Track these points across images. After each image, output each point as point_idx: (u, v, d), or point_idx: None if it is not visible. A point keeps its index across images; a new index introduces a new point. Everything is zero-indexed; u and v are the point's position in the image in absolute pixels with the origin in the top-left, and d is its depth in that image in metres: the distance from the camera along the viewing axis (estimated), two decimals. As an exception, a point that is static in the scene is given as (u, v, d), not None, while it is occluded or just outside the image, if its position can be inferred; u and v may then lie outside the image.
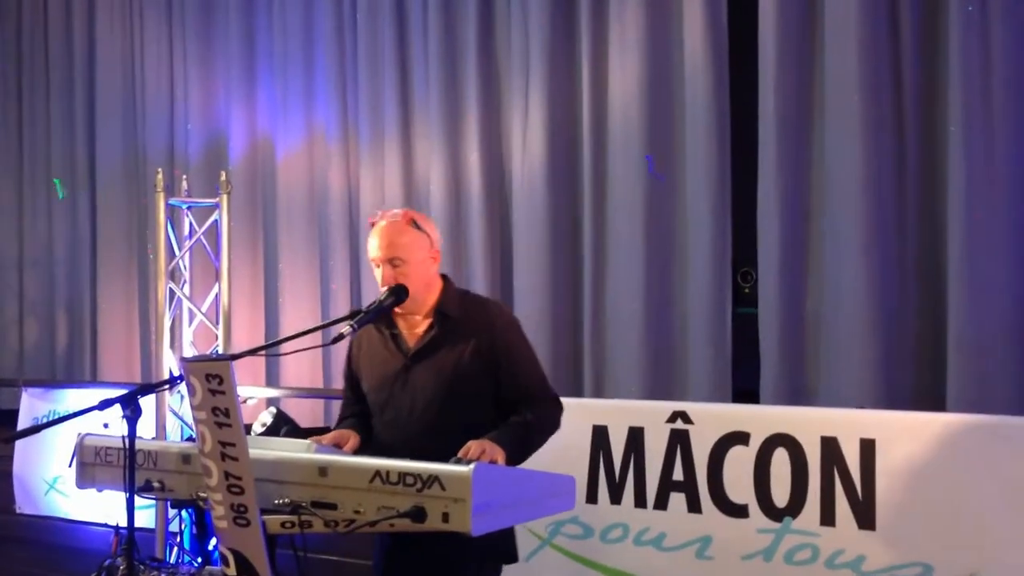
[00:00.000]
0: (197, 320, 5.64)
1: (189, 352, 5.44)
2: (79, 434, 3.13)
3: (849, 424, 3.73)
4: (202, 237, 5.65)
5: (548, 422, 3.11)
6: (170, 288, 5.44)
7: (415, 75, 6.04)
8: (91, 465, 3.05)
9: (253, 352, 2.92)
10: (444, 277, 3.16)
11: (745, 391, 5.11)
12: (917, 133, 4.73)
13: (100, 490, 3.09)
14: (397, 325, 3.12)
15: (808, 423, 3.81)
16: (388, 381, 3.08)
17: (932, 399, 4.63)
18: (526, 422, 2.99)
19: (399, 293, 3.02)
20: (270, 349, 3.15)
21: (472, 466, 2.49)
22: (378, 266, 3.03)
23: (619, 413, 4.04)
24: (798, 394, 4.94)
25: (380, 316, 3.02)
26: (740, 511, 3.88)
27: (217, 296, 5.51)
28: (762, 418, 3.91)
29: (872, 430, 3.66)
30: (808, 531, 3.73)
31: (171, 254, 5.54)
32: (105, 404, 2.81)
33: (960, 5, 4.49)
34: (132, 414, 2.80)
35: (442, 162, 5.87)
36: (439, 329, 3.06)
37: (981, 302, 4.49)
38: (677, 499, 4.00)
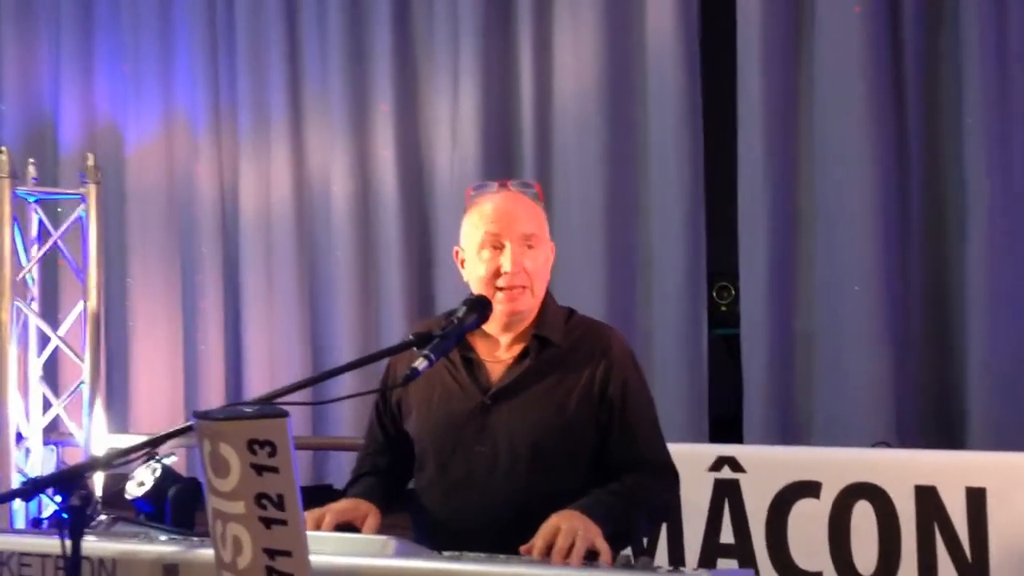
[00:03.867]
0: (51, 347, 4.34)
1: (37, 393, 4.15)
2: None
3: (950, 470, 3.09)
4: (59, 241, 4.36)
5: (661, 502, 2.27)
6: (17, 306, 4.12)
7: (308, 52, 5.05)
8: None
9: (306, 400, 1.88)
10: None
11: (724, 423, 4.45)
12: (925, 121, 4.18)
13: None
14: (473, 346, 2.21)
15: (897, 469, 3.16)
16: (456, 425, 2.18)
17: (948, 434, 4.10)
18: (633, 496, 2.13)
19: (482, 308, 2.09)
20: (318, 393, 2.08)
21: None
22: (497, 246, 2.13)
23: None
24: (788, 428, 4.33)
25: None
26: (812, 579, 3.15)
27: (83, 316, 4.25)
28: (836, 464, 3.22)
29: (980, 476, 3.03)
30: (902, 601, 3.05)
31: (18, 262, 4.22)
32: (36, 489, 1.74)
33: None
34: (81, 505, 1.75)
35: (346, 157, 4.94)
36: (536, 359, 2.17)
37: (1005, 320, 3.99)
38: (727, 565, 3.23)
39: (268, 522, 1.60)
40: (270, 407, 1.64)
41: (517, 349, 2.19)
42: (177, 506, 3.61)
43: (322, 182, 5.00)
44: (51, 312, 4.95)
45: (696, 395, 4.43)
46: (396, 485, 2.31)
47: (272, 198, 5.06)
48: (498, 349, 2.20)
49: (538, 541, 1.89)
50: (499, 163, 4.67)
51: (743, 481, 3.27)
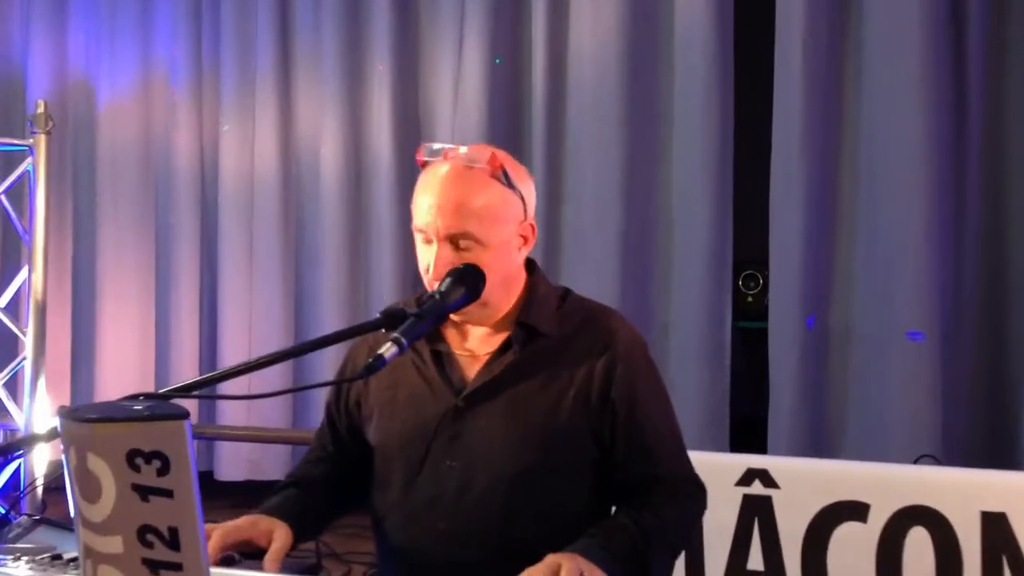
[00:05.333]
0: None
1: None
2: None
3: (1021, 493, 2.61)
4: (4, 199, 3.91)
5: (684, 532, 1.85)
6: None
7: (299, 3, 4.69)
8: None
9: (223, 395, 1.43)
10: (531, 265, 1.84)
11: (747, 428, 4.05)
12: (985, 95, 3.77)
13: None
14: (445, 338, 1.78)
15: (959, 492, 2.71)
16: (423, 434, 1.75)
17: (1001, 449, 3.70)
18: (650, 534, 1.69)
19: (472, 280, 1.65)
20: (222, 384, 1.63)
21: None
22: (428, 241, 1.71)
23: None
24: (819, 433, 3.92)
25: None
26: (856, 617, 2.70)
27: (25, 286, 3.80)
28: (888, 482, 2.78)
29: (1059, 501, 2.57)
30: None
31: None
32: None
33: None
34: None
35: (337, 120, 4.57)
36: (520, 352, 1.74)
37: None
38: (755, 598, 2.78)
39: (155, 566, 1.15)
40: (163, 404, 1.19)
41: (498, 340, 1.75)
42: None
43: (311, 147, 4.62)
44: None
45: (717, 396, 4.06)
46: (330, 504, 1.86)
47: (256, 163, 4.69)
48: (478, 343, 1.77)
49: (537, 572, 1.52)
50: (505, 131, 4.30)
51: (776, 498, 2.82)
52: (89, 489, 1.14)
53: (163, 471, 1.13)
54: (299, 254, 4.66)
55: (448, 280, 1.63)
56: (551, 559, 1.54)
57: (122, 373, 4.75)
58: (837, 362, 3.91)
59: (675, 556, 1.83)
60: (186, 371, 4.67)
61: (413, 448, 1.74)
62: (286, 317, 4.64)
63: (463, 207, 1.66)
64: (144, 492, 1.13)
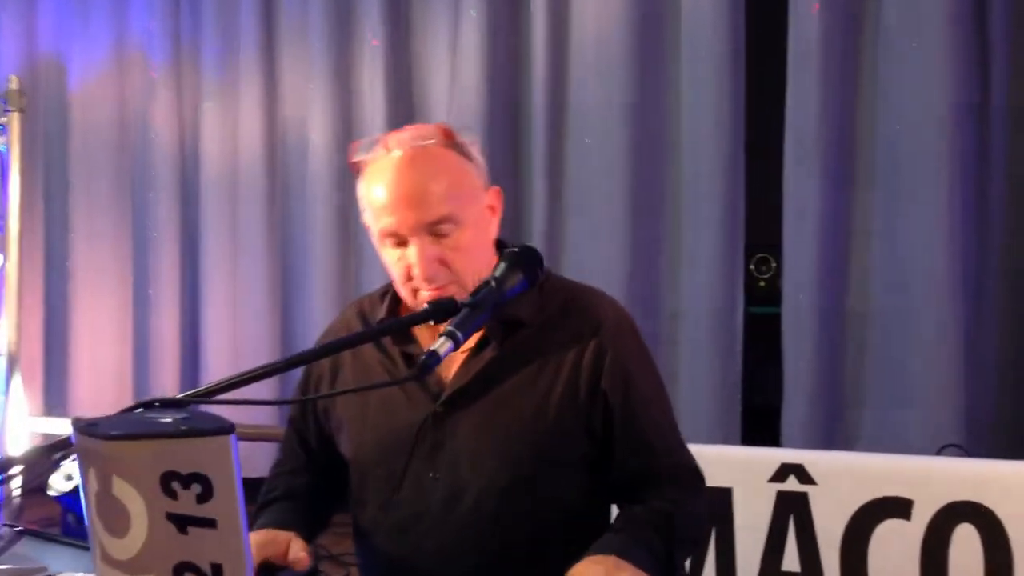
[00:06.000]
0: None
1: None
2: None
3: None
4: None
5: (697, 526, 1.72)
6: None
7: None
8: None
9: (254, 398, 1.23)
10: (499, 244, 1.67)
11: (760, 419, 3.85)
12: (1009, 56, 3.56)
13: None
14: (416, 337, 1.64)
15: (1008, 484, 2.55)
16: (399, 446, 1.60)
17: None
18: (670, 526, 1.56)
19: (530, 263, 1.48)
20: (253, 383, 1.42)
21: None
22: (400, 243, 1.56)
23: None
24: (836, 422, 3.75)
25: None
26: (900, 619, 2.54)
27: (1, 272, 3.57)
28: (933, 477, 2.60)
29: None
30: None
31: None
32: None
33: None
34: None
35: (328, 98, 4.33)
36: (501, 347, 1.59)
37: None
38: (791, 601, 2.62)
39: (196, 611, 0.96)
40: (201, 416, 0.99)
41: (475, 336, 1.57)
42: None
43: (298, 127, 4.38)
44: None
45: (728, 386, 3.86)
46: (318, 512, 1.73)
47: (239, 145, 4.47)
48: None
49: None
50: (505, 110, 4.08)
51: (813, 495, 2.64)
52: (114, 520, 0.95)
53: (204, 496, 0.94)
54: (286, 240, 4.44)
55: (503, 265, 1.45)
56: (576, 570, 1.39)
57: (98, 366, 4.52)
58: (855, 349, 3.74)
59: (695, 549, 1.69)
60: (167, 365, 4.45)
61: (391, 461, 1.59)
62: (272, 306, 4.42)
63: (431, 191, 1.51)
64: (182, 522, 0.94)
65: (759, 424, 3.87)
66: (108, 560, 0.96)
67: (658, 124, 3.93)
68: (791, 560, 2.66)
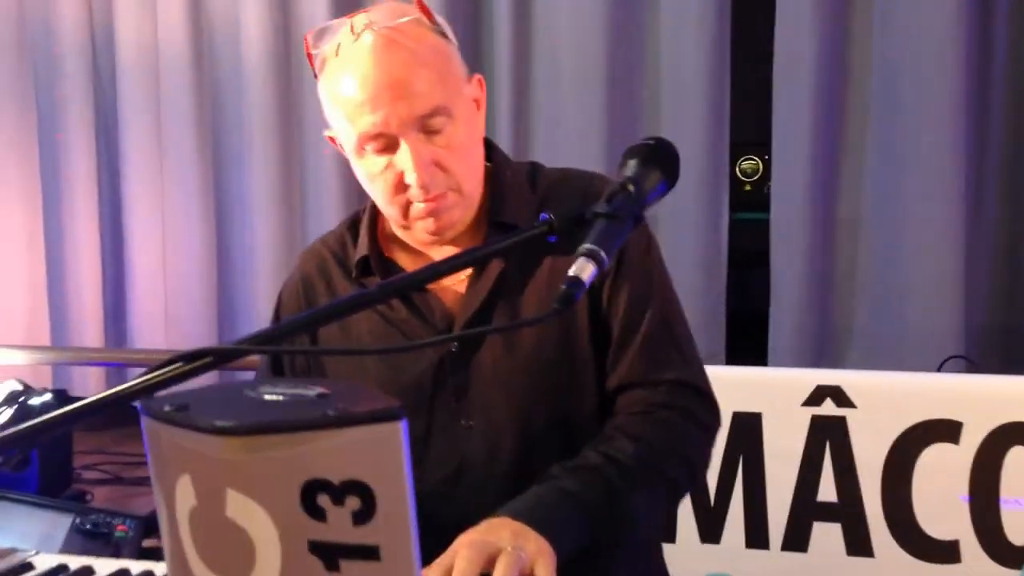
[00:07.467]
0: None
1: None
2: None
3: None
4: None
5: (682, 448, 1.36)
6: None
7: None
8: None
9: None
10: (486, 143, 1.43)
11: (746, 331, 3.67)
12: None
13: None
14: (404, 269, 1.41)
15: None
16: (417, 395, 1.36)
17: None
18: (621, 462, 1.26)
19: (667, 157, 1.18)
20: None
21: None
22: (387, 147, 1.28)
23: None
24: (827, 335, 3.58)
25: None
26: (946, 552, 2.35)
27: None
28: (983, 396, 2.39)
29: None
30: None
31: None
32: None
33: None
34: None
35: None
36: (507, 260, 1.36)
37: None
38: (828, 532, 2.39)
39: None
40: (350, 391, 0.64)
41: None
42: (48, 462, 2.54)
43: (228, 12, 3.86)
44: None
45: (711, 297, 3.65)
46: None
47: (160, 29, 3.92)
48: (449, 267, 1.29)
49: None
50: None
51: (851, 419, 2.40)
52: (226, 554, 0.60)
53: (364, 515, 0.60)
54: (219, 145, 3.94)
55: (634, 162, 1.13)
56: (452, 547, 1.08)
57: (6, 295, 3.98)
58: (847, 256, 3.55)
59: (675, 491, 1.38)
60: (87, 289, 3.97)
61: (408, 416, 1.25)
62: (206, 218, 3.96)
63: (420, 76, 1.25)
64: (331, 554, 0.60)
65: (744, 337, 3.66)
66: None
67: (636, 12, 3.60)
68: (827, 490, 2.43)
